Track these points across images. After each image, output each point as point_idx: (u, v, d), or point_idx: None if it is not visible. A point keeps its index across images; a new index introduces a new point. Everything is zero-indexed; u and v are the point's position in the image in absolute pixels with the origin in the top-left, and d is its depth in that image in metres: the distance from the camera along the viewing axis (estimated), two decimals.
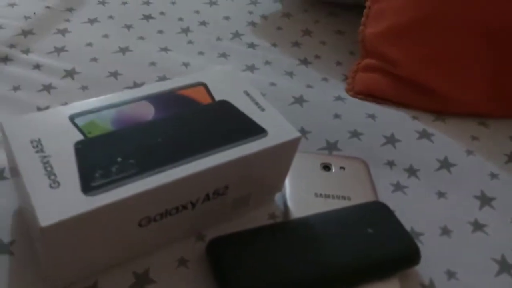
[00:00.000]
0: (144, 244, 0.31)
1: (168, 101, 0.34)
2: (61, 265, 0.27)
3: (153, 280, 0.30)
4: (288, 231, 0.32)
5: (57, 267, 0.27)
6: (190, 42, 0.56)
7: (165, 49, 0.54)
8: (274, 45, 0.58)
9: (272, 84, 0.51)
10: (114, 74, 0.49)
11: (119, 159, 0.28)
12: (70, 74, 0.48)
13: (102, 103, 0.33)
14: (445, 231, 0.37)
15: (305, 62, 0.55)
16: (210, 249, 0.31)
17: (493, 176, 0.42)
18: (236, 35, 0.58)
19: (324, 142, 0.44)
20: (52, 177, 0.26)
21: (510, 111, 0.49)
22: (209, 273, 0.31)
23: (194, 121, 0.33)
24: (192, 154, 0.30)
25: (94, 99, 0.33)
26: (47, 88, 0.45)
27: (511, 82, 0.47)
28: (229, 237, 0.32)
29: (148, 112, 0.33)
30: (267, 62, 0.54)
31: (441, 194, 0.40)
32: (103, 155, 0.28)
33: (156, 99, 0.34)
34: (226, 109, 0.34)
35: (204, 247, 0.32)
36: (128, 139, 0.30)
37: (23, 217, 0.32)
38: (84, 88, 0.46)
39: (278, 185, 0.36)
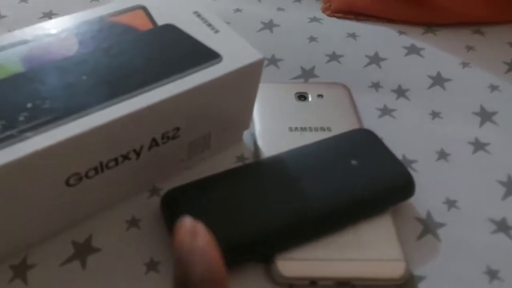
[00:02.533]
0: (81, 207, 0.25)
1: (96, 30, 0.27)
2: None
3: (97, 248, 0.25)
4: (258, 173, 0.27)
5: None
6: None
7: None
8: None
9: (238, 10, 0.44)
10: (48, 15, 0.42)
11: (29, 105, 0.22)
12: None
13: (11, 40, 0.26)
14: (442, 155, 0.32)
15: None
16: (165, 203, 0.26)
17: (493, 88, 0.37)
18: None
19: (299, 70, 0.38)
20: None
21: (508, 15, 0.43)
22: (165, 232, 0.26)
23: (131, 52, 0.26)
24: (127, 91, 0.24)
25: (3, 35, 0.26)
26: None
27: None
28: (187, 187, 0.26)
29: (70, 46, 0.26)
30: None
31: (435, 114, 0.35)
32: (7, 102, 0.22)
33: (81, 30, 0.27)
34: (170, 34, 0.28)
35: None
36: (43, 81, 0.24)
37: None
38: None
39: (244, 122, 0.31)
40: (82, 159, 0.23)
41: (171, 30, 0.28)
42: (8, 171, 0.20)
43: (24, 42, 0.26)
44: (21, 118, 0.22)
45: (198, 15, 0.29)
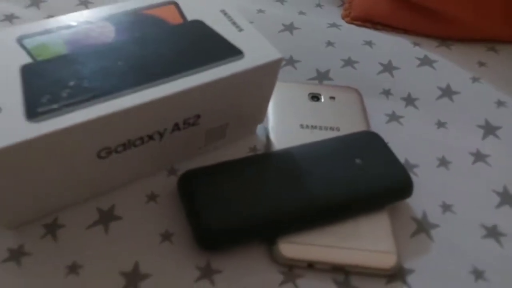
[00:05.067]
0: (109, 178, 0.28)
1: (132, 21, 0.30)
2: (13, 200, 0.25)
3: (119, 217, 0.28)
4: (268, 163, 0.29)
5: (8, 202, 0.25)
6: None
7: None
8: None
9: (260, 11, 0.46)
10: (85, 3, 0.45)
11: (71, 83, 0.25)
12: (35, 3, 0.44)
13: (56, 24, 0.29)
14: (443, 162, 0.34)
15: None
16: (182, 183, 0.28)
17: (500, 103, 0.39)
18: None
19: (315, 72, 0.40)
20: None
21: None
22: (180, 209, 0.29)
23: (161, 43, 0.29)
24: (156, 79, 0.27)
25: (48, 20, 0.29)
26: (9, 18, 0.41)
27: None
28: (203, 169, 0.29)
29: (108, 33, 0.29)
30: None
31: (440, 124, 0.36)
32: (53, 79, 0.25)
33: (118, 20, 0.30)
34: (198, 29, 0.30)
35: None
36: (83, 63, 0.27)
37: None
38: (50, 17, 0.42)
39: (259, 115, 0.33)
40: (113, 135, 0.25)
41: (199, 26, 0.31)
42: (51, 140, 0.23)
43: (67, 27, 0.29)
44: (64, 94, 0.24)
45: (225, 14, 0.32)
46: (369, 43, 0.43)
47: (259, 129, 0.34)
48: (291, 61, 0.41)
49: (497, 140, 0.36)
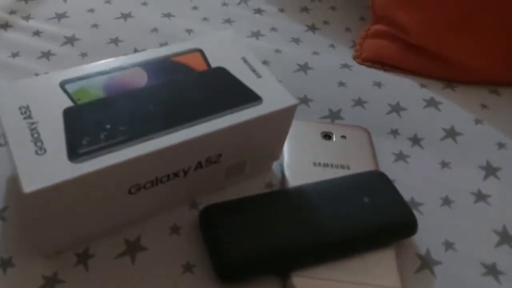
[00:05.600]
0: (136, 211, 0.31)
1: (162, 67, 0.33)
2: (50, 231, 0.28)
3: (145, 247, 0.31)
4: (282, 200, 0.32)
5: (46, 233, 0.28)
6: (194, 7, 0.55)
7: (168, 15, 0.53)
8: (281, 10, 0.56)
9: (277, 51, 0.49)
10: (115, 41, 0.48)
11: (108, 126, 0.28)
12: (70, 40, 0.47)
13: (94, 70, 0.32)
14: (446, 202, 0.36)
15: (312, 28, 0.53)
16: (203, 217, 0.31)
17: (501, 145, 0.41)
18: (243, 0, 0.57)
19: (327, 111, 0.43)
20: (39, 143, 0.26)
21: None
22: (201, 241, 0.31)
23: (188, 89, 0.32)
24: (183, 122, 0.29)
25: (87, 65, 0.32)
26: (46, 55, 0.45)
27: None
28: (223, 204, 0.31)
29: (141, 79, 0.32)
30: (273, 29, 0.53)
31: (444, 164, 0.39)
32: (91, 122, 0.28)
33: (149, 66, 0.33)
34: (221, 76, 0.33)
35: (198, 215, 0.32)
36: (119, 106, 0.30)
37: (16, 183, 0.33)
38: (83, 55, 0.46)
39: (275, 154, 0.36)
40: (144, 174, 0.28)
41: (222, 73, 0.34)
42: (90, 179, 0.26)
43: (104, 72, 0.32)
44: (101, 136, 0.27)
45: (245, 61, 0.35)
46: (378, 84, 0.46)
47: (275, 166, 0.37)
48: (305, 100, 0.44)
49: (497, 181, 0.38)
